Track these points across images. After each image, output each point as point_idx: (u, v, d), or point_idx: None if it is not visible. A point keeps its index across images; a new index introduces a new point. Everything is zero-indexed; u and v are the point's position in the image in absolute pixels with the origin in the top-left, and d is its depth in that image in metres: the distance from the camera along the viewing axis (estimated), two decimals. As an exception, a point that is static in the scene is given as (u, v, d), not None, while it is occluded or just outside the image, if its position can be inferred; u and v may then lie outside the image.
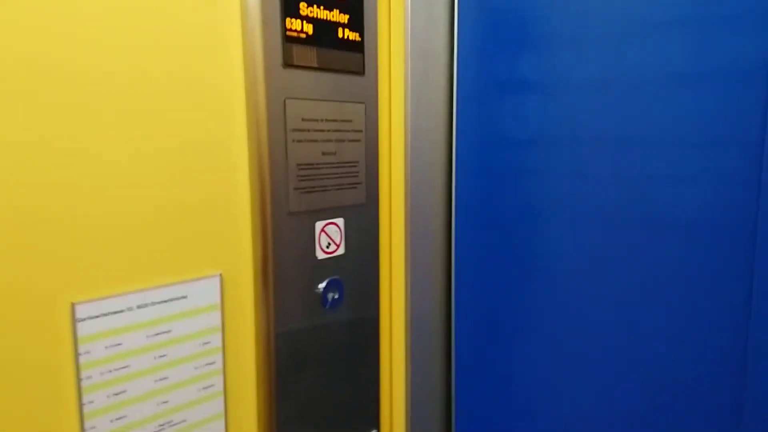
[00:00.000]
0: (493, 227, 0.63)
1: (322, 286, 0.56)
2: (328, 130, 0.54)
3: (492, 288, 0.65)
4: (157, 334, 0.45)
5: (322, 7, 0.52)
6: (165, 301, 0.45)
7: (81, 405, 0.41)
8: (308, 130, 0.52)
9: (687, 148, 0.54)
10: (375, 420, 0.64)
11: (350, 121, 0.56)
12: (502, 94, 0.61)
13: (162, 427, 0.46)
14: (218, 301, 0.49)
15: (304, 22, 0.51)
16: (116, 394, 0.43)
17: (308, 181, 0.53)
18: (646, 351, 0.59)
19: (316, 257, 0.55)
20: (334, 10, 0.53)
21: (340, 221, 0.56)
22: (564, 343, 0.62)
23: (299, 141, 0.52)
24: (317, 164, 0.53)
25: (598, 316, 0.59)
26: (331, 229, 0.56)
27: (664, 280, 0.57)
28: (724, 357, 0.56)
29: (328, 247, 0.56)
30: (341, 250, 0.57)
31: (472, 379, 0.69)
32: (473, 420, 0.70)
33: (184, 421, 0.48)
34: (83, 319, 0.41)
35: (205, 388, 0.49)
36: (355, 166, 0.57)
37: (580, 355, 0.62)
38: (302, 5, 0.50)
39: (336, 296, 0.57)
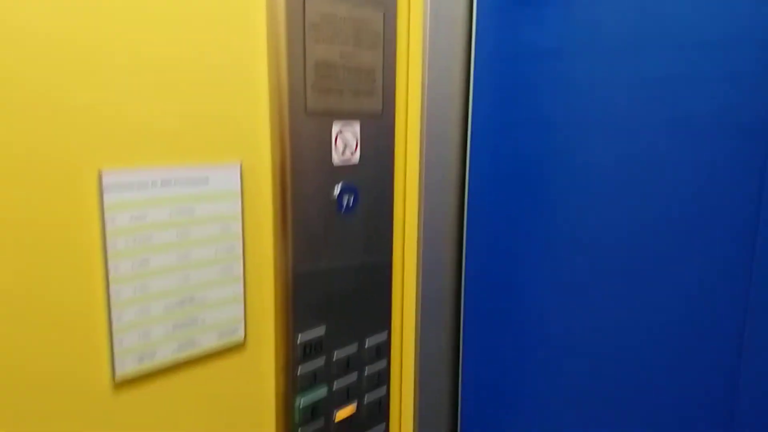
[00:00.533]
0: (510, 137, 0.64)
1: (337, 191, 0.57)
2: (347, 32, 0.55)
3: (505, 202, 0.66)
4: (180, 212, 0.47)
5: None
6: (187, 182, 0.47)
7: (107, 271, 0.44)
8: (327, 29, 0.54)
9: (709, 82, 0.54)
10: (386, 320, 0.66)
11: (369, 26, 0.57)
12: (523, 4, 0.61)
13: (183, 302, 0.48)
14: (238, 189, 0.51)
15: None
16: (140, 264, 0.45)
17: (326, 80, 0.54)
18: (656, 295, 0.60)
19: (332, 162, 0.56)
20: None
21: (356, 126, 0.58)
22: (577, 282, 0.63)
23: (317, 40, 0.53)
24: (335, 65, 0.55)
25: (610, 260, 0.60)
26: (347, 136, 0.57)
27: (675, 231, 0.58)
28: (728, 301, 0.57)
29: (343, 153, 0.57)
30: (356, 159, 0.58)
31: (482, 285, 0.70)
32: (481, 323, 0.71)
33: (203, 299, 0.50)
34: (110, 187, 0.43)
35: (224, 271, 0.51)
36: (372, 74, 0.58)
37: (589, 293, 0.63)
38: None
39: (350, 202, 0.59)
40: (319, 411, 0.60)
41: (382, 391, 0.67)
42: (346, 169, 0.57)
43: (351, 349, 0.63)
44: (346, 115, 0.57)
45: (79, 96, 0.41)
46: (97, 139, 0.42)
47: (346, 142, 0.57)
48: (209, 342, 0.51)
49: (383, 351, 0.66)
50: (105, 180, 0.43)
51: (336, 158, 0.56)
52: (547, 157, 0.63)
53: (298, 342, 0.57)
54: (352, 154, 0.58)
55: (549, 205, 0.64)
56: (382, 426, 0.68)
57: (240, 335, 0.53)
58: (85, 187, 0.42)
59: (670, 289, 0.59)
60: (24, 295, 0.40)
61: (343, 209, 0.58)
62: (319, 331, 0.59)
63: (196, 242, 0.49)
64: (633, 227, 0.60)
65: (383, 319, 0.66)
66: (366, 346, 0.64)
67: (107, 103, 0.42)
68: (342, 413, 0.62)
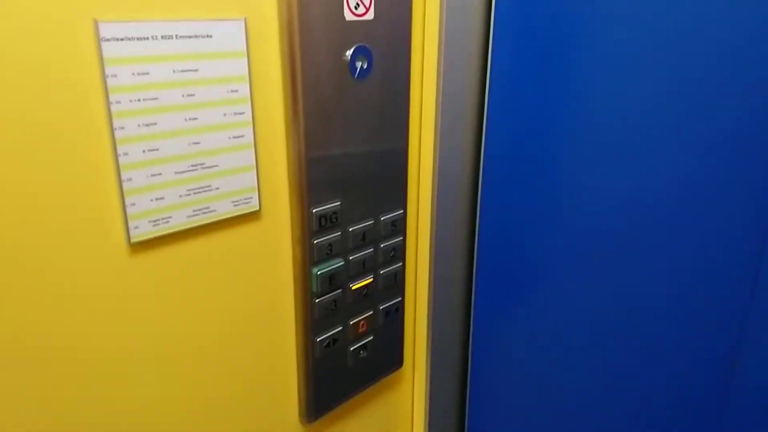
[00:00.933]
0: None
1: (349, 53, 0.54)
2: None
3: (531, 77, 0.63)
4: (184, 71, 0.44)
5: None
6: (190, 37, 0.44)
7: (113, 130, 0.42)
8: None
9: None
10: (402, 199, 0.65)
11: None
12: None
13: (194, 167, 0.47)
14: (244, 47, 0.47)
15: None
16: (147, 125, 0.43)
17: None
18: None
19: (344, 18, 0.52)
20: None
21: (368, -20, 0.53)
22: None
23: None
24: None
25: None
26: (360, -12, 0.53)
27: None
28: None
29: (356, 8, 0.53)
30: (371, 15, 0.54)
31: (500, 165, 0.68)
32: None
33: (216, 166, 0.48)
34: (108, 39, 0.40)
35: (235, 137, 0.49)
36: None
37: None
38: None
39: (365, 65, 0.55)
40: (336, 281, 0.60)
41: (398, 265, 0.67)
42: (359, 27, 0.53)
43: (367, 224, 0.62)
44: (358, -33, 0.52)
45: (63, -68, 0.37)
46: (88, -16, 0.39)
47: (358, -2, 0.53)
48: (224, 209, 0.50)
49: (399, 227, 0.66)
50: (102, 30, 0.40)
51: (348, 14, 0.52)
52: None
53: (314, 214, 0.56)
54: (366, 10, 0.53)
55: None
56: (399, 299, 0.69)
57: (255, 204, 0.52)
58: (80, 38, 0.39)
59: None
60: (26, 150, 0.39)
61: (357, 74, 0.55)
62: (334, 205, 0.58)
63: (203, 104, 0.46)
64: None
65: (399, 198, 0.65)
66: (382, 222, 0.64)
67: (95, -59, 0.38)
68: (358, 284, 0.63)
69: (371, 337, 0.66)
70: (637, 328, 0.64)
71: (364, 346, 0.66)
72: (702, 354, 0.61)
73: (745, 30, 0.50)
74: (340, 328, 0.62)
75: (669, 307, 0.61)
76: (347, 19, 0.52)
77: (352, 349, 0.64)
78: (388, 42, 0.57)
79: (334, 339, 0.62)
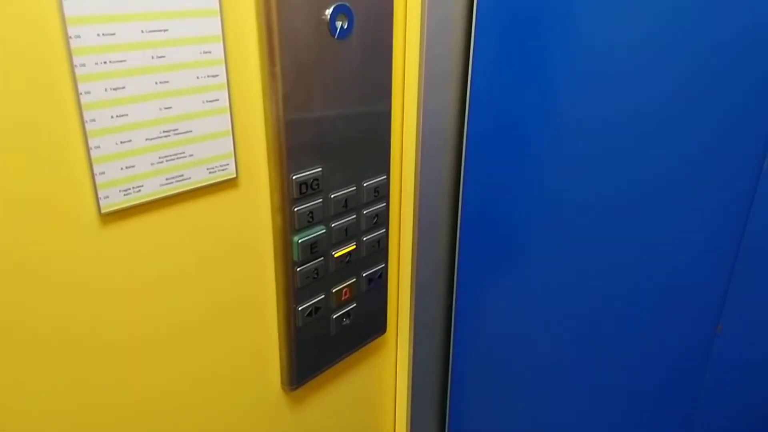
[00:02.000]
0: None
1: (328, 11, 0.51)
2: None
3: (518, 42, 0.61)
4: (153, 31, 0.42)
5: None
6: (157, -6, 0.41)
7: (78, 94, 0.39)
8: None
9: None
10: (386, 165, 0.64)
11: None
12: None
13: (167, 133, 0.45)
14: (216, 5, 0.45)
15: None
16: (114, 89, 0.41)
17: None
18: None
19: (322, -27, 0.50)
20: None
21: (348, -67, 0.50)
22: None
23: None
24: None
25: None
26: (339, -58, 0.50)
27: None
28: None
29: (335, -37, 0.50)
30: (350, -29, 0.51)
31: (485, 130, 0.67)
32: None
33: (190, 131, 0.46)
34: (68, -3, 0.37)
35: (209, 101, 0.47)
36: None
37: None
38: None
39: (345, 25, 0.53)
40: (318, 249, 0.59)
41: (382, 232, 0.66)
42: (338, -16, 0.51)
43: (349, 190, 0.60)
44: None
45: None
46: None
47: (337, -47, 0.50)
48: (199, 177, 0.48)
49: (382, 193, 0.64)
50: (60, -13, 0.37)
51: (326, -29, 0.49)
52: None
53: (293, 181, 0.54)
54: (344, -35, 0.51)
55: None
56: (382, 265, 0.68)
57: (231, 171, 0.51)
58: (37, -5, 0.36)
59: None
60: (-13, 119, 0.36)
61: (337, 33, 0.53)
62: (315, 172, 0.56)
63: (175, 66, 0.44)
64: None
65: (382, 163, 0.63)
66: (364, 188, 0.62)
67: None
68: (341, 252, 0.62)
69: (354, 305, 0.66)
70: (618, 309, 0.64)
71: (347, 314, 0.65)
72: (682, 340, 0.62)
73: (731, 24, 0.49)
74: (323, 296, 0.62)
75: (650, 292, 0.62)
76: (326, -25, 0.50)
77: (335, 317, 0.64)
78: (370, 0, 0.54)
79: (316, 307, 0.61)
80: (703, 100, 0.53)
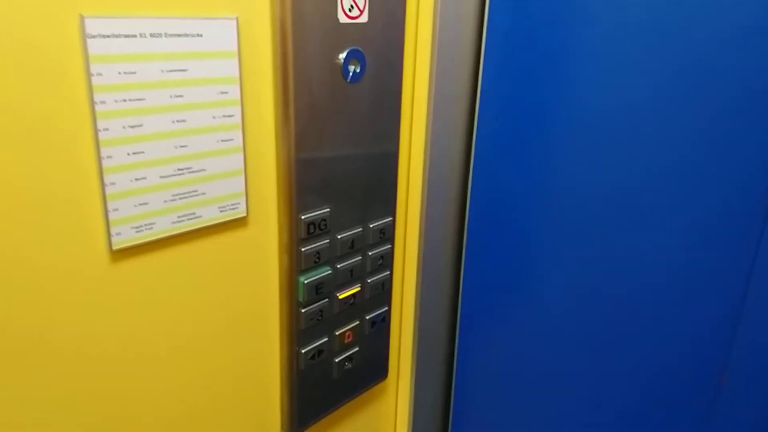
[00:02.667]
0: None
1: (342, 56, 0.52)
2: None
3: (523, 84, 0.62)
4: (173, 70, 0.42)
5: None
6: (179, 35, 0.42)
7: (96, 131, 0.40)
8: None
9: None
10: (392, 206, 0.64)
11: None
12: None
13: (181, 171, 0.45)
14: (235, 47, 0.46)
15: None
16: (132, 127, 0.41)
17: None
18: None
19: (337, 20, 0.51)
20: None
21: (364, -18, 0.52)
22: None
23: None
24: None
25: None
26: (355, -9, 0.51)
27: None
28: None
29: (350, 10, 0.52)
30: (364, 17, 0.53)
31: (489, 176, 0.67)
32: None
33: (204, 170, 0.46)
34: (94, 36, 0.38)
35: (224, 140, 0.47)
36: None
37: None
38: None
39: (357, 69, 0.54)
40: (323, 290, 0.58)
41: (386, 274, 0.66)
42: (353, 30, 0.52)
43: (355, 231, 0.60)
44: (353, -31, 0.51)
45: None
46: (74, -24, 0.37)
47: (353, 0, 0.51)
48: (210, 215, 0.48)
49: (387, 235, 0.64)
50: (88, 26, 0.38)
51: (342, 17, 0.51)
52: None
53: (302, 221, 0.54)
54: (360, 12, 0.52)
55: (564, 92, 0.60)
56: (386, 308, 0.68)
57: (242, 210, 0.51)
58: (65, 33, 0.37)
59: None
60: (2, 150, 0.36)
61: (349, 77, 0.54)
62: (323, 212, 0.56)
63: (192, 105, 0.44)
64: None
65: (388, 205, 0.64)
66: (371, 230, 0.62)
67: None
68: (345, 293, 0.61)
69: (357, 348, 0.65)
70: (628, 339, 0.64)
71: (349, 357, 0.64)
72: (693, 348, 0.61)
73: (737, 25, 0.50)
74: (326, 339, 0.61)
75: (661, 311, 0.61)
76: (341, 21, 0.51)
77: (337, 360, 0.63)
78: (381, 46, 0.56)
79: (319, 350, 0.60)
80: (715, 102, 0.53)
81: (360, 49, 0.53)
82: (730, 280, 0.56)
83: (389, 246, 0.65)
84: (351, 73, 0.54)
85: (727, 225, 0.55)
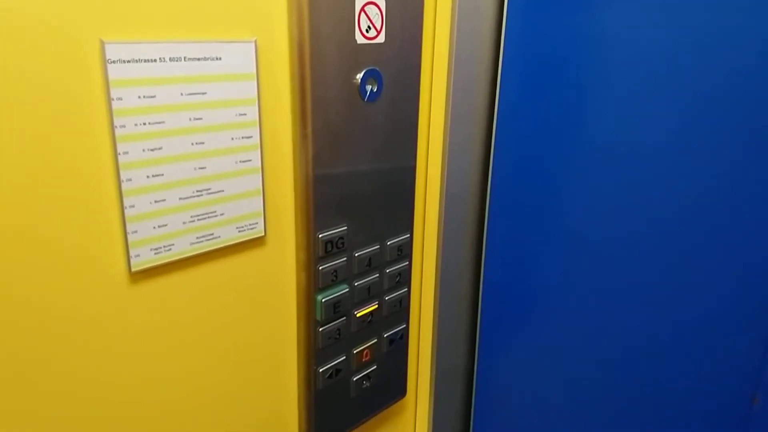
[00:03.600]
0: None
1: (359, 76, 0.53)
2: None
3: (540, 104, 0.62)
4: (192, 93, 0.43)
5: None
6: (199, 59, 0.42)
7: (116, 154, 0.40)
8: None
9: None
10: (409, 223, 0.63)
11: None
12: None
13: (200, 192, 0.45)
14: (253, 70, 0.46)
15: None
16: (152, 150, 0.42)
17: (349, -56, 0.48)
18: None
19: (355, 41, 0.51)
20: None
21: (381, 2, 0.52)
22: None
23: None
24: (359, -73, 0.48)
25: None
26: (372, 10, 0.51)
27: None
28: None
29: (368, 31, 0.52)
30: (381, 38, 0.53)
31: (508, 190, 0.67)
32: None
33: (222, 191, 0.47)
34: (114, 61, 0.38)
35: (242, 161, 0.47)
36: (398, -59, 0.52)
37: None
38: None
39: (375, 88, 0.54)
40: (341, 308, 0.58)
41: (404, 291, 0.66)
42: (370, 51, 0.52)
43: (373, 249, 0.60)
44: (371, -11, 0.51)
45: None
46: (97, 6, 0.37)
47: (370, 20, 0.51)
48: (228, 235, 0.48)
49: (405, 252, 0.64)
50: (108, 51, 0.38)
51: (359, 37, 0.51)
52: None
53: (320, 239, 0.54)
54: (377, 32, 0.52)
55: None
56: (403, 326, 0.67)
57: (260, 229, 0.51)
58: (86, 59, 0.37)
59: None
60: (25, 173, 0.37)
61: (366, 97, 0.54)
62: (340, 230, 0.56)
63: (211, 128, 0.45)
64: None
65: (406, 221, 0.63)
66: (388, 247, 0.62)
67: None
68: (363, 311, 0.61)
69: (375, 366, 0.64)
70: (657, 363, 0.62)
71: (367, 376, 0.64)
72: (719, 390, 0.59)
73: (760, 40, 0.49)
74: (344, 358, 0.60)
75: (684, 346, 0.60)
76: (358, 42, 0.51)
77: (355, 379, 0.62)
78: (399, 65, 0.56)
79: (337, 369, 0.60)
80: (744, 123, 0.51)
81: (377, 68, 0.53)
82: (762, 303, 0.55)
83: (407, 263, 0.65)
84: (368, 93, 0.54)
85: (758, 250, 0.54)
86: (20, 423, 0.40)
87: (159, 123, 0.41)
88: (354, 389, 0.62)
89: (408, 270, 0.65)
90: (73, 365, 0.42)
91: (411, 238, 0.64)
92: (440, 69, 0.60)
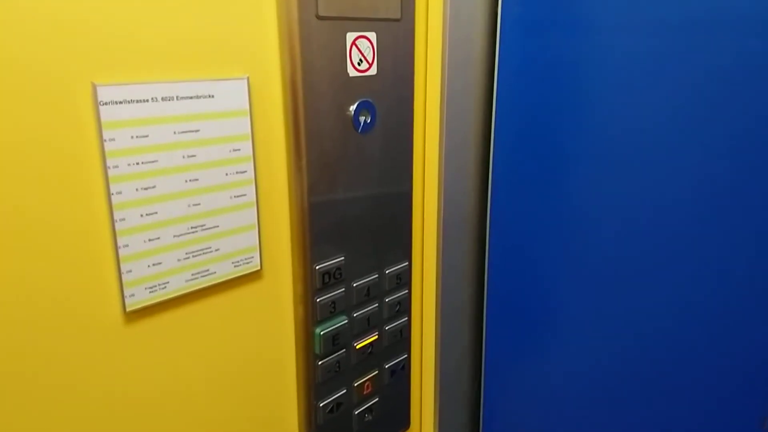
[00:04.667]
0: (544, 43, 0.59)
1: (353, 108, 0.53)
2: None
3: (538, 125, 0.62)
4: (185, 132, 0.43)
5: None
6: (191, 98, 0.43)
7: (109, 195, 0.40)
8: None
9: None
10: (407, 250, 0.63)
11: None
12: None
13: (195, 229, 0.45)
14: (246, 106, 0.46)
15: None
16: (145, 189, 0.42)
17: (338, -20, 0.49)
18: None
19: (347, 74, 0.51)
20: None
21: (372, 36, 0.52)
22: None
23: (328, -66, 0.47)
24: (347, -36, 0.49)
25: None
26: (363, 44, 0.52)
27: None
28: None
29: (359, 64, 0.52)
30: (373, 70, 0.53)
31: (506, 215, 0.66)
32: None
33: (217, 226, 0.46)
34: (106, 103, 0.39)
35: (237, 196, 0.47)
36: (387, -25, 0.52)
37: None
38: None
39: (368, 120, 0.54)
40: (340, 340, 0.57)
41: (404, 320, 0.65)
42: (362, 83, 0.53)
43: (371, 278, 0.60)
44: (362, 24, 0.51)
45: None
46: (88, 50, 0.38)
47: (362, 53, 0.52)
48: (224, 271, 0.48)
49: (404, 280, 0.64)
50: (100, 94, 0.38)
51: (351, 71, 0.51)
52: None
53: (317, 271, 0.54)
54: (369, 65, 0.53)
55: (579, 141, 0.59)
56: (404, 356, 0.66)
57: (256, 264, 0.50)
58: (78, 102, 0.38)
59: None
60: (18, 214, 0.37)
61: (360, 128, 0.54)
62: (337, 261, 0.56)
63: (205, 165, 0.45)
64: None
65: (404, 249, 0.63)
66: (387, 276, 0.62)
67: (97, 10, 0.37)
68: (363, 343, 0.60)
69: (377, 399, 0.64)
70: (660, 385, 0.61)
71: (369, 409, 0.63)
72: (734, 390, 0.58)
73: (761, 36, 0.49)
74: (344, 391, 0.59)
75: (695, 355, 0.59)
76: (350, 75, 0.52)
77: (356, 412, 0.61)
78: (391, 96, 0.56)
79: (338, 403, 0.59)
80: (746, 118, 0.50)
81: (370, 100, 0.54)
82: None
83: (406, 291, 0.64)
84: (362, 124, 0.54)
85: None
86: (14, 470, 0.40)
87: (152, 162, 0.42)
88: (356, 423, 0.62)
89: (408, 298, 0.65)
90: (70, 401, 0.41)
91: (410, 265, 0.64)
92: (433, 97, 0.60)
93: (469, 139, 0.64)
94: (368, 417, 0.63)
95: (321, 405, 0.57)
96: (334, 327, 0.57)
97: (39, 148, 0.37)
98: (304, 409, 0.57)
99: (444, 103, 0.59)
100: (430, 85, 0.60)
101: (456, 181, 0.64)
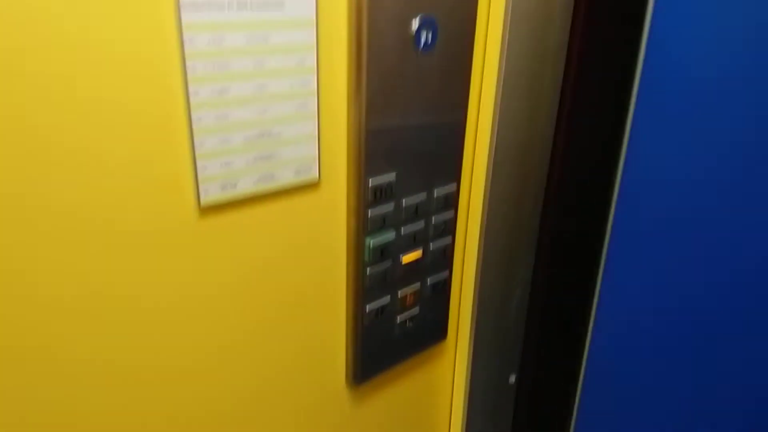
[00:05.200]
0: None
1: (415, 25, 0.53)
2: None
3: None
4: (255, 39, 0.45)
5: None
6: (262, 6, 0.44)
7: (187, 95, 0.43)
8: None
9: None
10: (456, 173, 0.65)
11: None
12: None
13: (261, 135, 0.48)
14: (313, 16, 0.48)
15: None
16: (219, 92, 0.44)
17: None
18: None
19: (411, -13, 0.52)
20: None
21: (438, -50, 0.52)
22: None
23: None
24: None
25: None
26: (429, -41, 0.52)
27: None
28: None
29: (424, -21, 0.52)
30: (437, -16, 0.53)
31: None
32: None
33: (280, 134, 0.49)
34: (187, 6, 0.41)
35: (299, 106, 0.50)
36: None
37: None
38: None
39: (429, 39, 0.55)
40: (388, 253, 0.61)
41: (448, 240, 0.68)
42: (426, -2, 0.53)
43: (420, 197, 0.62)
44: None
45: None
46: (171, -49, 0.40)
47: (426, -31, 0.52)
48: (286, 177, 0.51)
49: (451, 202, 0.66)
50: (181, -2, 0.40)
51: (416, -15, 0.52)
52: None
53: (369, 186, 0.57)
54: (434, -20, 0.53)
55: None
56: (446, 272, 0.70)
57: (315, 174, 0.53)
58: (161, 3, 0.40)
59: None
60: (108, 112, 0.40)
61: (421, 46, 0.55)
62: (389, 177, 0.58)
63: (272, 73, 0.47)
64: None
65: (453, 171, 0.65)
66: (435, 196, 0.64)
67: None
68: (408, 257, 0.64)
69: (417, 309, 0.68)
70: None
71: (410, 318, 0.67)
72: None
73: None
74: (389, 299, 0.63)
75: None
76: (415, -11, 0.52)
77: (399, 320, 0.66)
78: (454, 13, 0.56)
79: (382, 308, 0.63)
80: None
81: (433, 15, 0.54)
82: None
83: (452, 212, 0.67)
84: (423, 43, 0.55)
85: None
86: (88, 343, 0.45)
87: (226, 65, 0.44)
88: (398, 328, 0.66)
89: (453, 219, 0.67)
90: (148, 293, 0.46)
91: (458, 188, 0.66)
92: (495, 20, 0.60)
93: (529, 64, 0.64)
94: (409, 325, 0.67)
95: (368, 308, 0.61)
96: (382, 239, 0.60)
97: (125, 44, 0.39)
98: (352, 312, 0.62)
99: (507, 26, 0.59)
100: (493, 5, 0.59)
101: (510, 111, 0.65)
